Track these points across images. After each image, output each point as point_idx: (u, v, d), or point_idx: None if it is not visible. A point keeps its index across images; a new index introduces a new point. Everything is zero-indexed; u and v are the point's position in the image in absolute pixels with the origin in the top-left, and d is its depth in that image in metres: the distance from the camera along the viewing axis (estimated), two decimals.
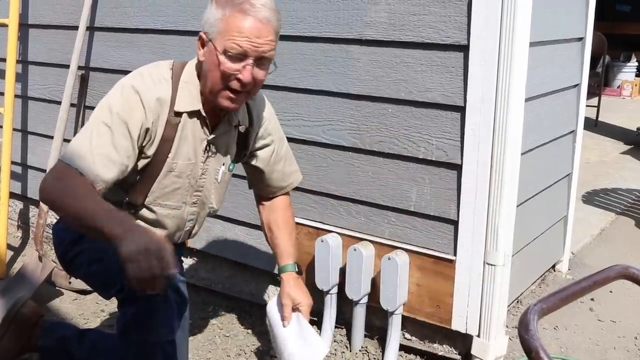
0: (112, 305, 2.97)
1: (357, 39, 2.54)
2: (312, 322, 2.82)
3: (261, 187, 2.31)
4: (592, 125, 6.46)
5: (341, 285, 2.68)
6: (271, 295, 2.95)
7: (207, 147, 2.05)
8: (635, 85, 8.55)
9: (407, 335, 2.70)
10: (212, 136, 2.04)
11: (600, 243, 3.76)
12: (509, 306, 2.63)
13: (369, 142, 2.59)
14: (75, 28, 3.29)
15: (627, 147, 5.99)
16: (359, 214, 2.68)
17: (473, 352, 2.50)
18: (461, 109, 2.36)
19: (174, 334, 1.98)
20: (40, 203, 3.31)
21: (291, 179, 2.33)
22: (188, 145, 2.01)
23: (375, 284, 2.61)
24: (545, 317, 1.79)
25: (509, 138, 2.29)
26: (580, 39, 2.98)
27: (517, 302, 2.92)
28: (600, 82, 7.09)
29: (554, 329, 2.81)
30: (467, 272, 2.44)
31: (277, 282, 2.81)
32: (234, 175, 2.35)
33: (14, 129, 3.54)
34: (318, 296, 2.80)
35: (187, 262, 3.27)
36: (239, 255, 3.05)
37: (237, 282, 3.13)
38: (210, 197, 2.15)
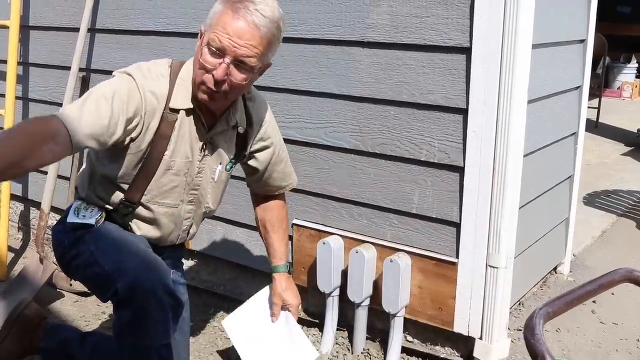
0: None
1: (359, 41, 2.54)
2: (314, 325, 2.84)
3: (260, 187, 2.31)
4: (593, 127, 6.46)
5: (343, 287, 2.68)
6: None
7: (204, 146, 2.05)
8: (636, 86, 8.55)
9: (410, 338, 2.69)
10: (209, 135, 2.04)
11: (602, 245, 3.76)
12: (511, 309, 2.63)
13: (371, 144, 2.58)
14: (77, 30, 3.29)
15: (628, 149, 5.99)
16: (361, 217, 2.68)
17: (475, 354, 2.50)
18: (464, 112, 2.36)
19: (170, 337, 1.98)
20: (42, 205, 3.31)
21: (290, 179, 2.34)
22: (185, 143, 2.02)
23: (377, 286, 2.61)
24: None
25: (512, 140, 2.29)
26: (583, 41, 2.98)
27: (519, 304, 2.91)
28: (600, 84, 7.10)
29: (557, 331, 2.81)
30: (470, 274, 2.44)
31: None
32: (236, 178, 2.35)
33: None
34: (320, 298, 2.80)
35: (189, 264, 3.26)
36: (241, 258, 3.05)
37: (239, 284, 3.12)
38: (206, 197, 2.15)
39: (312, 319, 2.88)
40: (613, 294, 3.05)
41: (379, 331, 2.73)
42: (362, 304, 2.64)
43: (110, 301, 1.97)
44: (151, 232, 2.12)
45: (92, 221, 2.05)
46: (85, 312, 3.05)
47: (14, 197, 3.70)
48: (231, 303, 3.04)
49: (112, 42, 3.30)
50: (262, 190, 2.32)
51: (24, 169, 1.73)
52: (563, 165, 3.07)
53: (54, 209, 3.36)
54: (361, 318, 2.66)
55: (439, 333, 2.61)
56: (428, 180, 2.49)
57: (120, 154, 1.97)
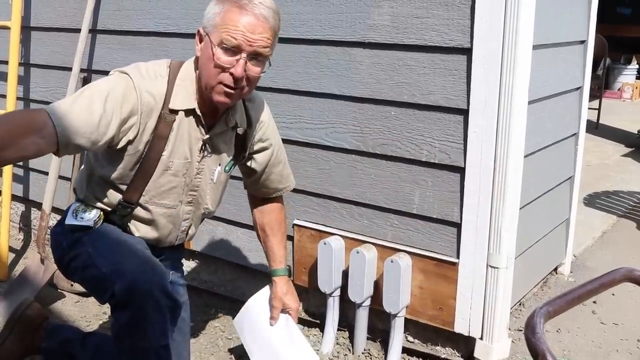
0: None
1: (359, 41, 2.54)
2: (314, 325, 2.85)
3: (257, 188, 2.31)
4: (593, 127, 6.47)
5: (344, 287, 2.68)
6: None
7: (203, 147, 2.05)
8: (636, 87, 8.56)
9: (410, 338, 2.69)
10: (208, 136, 2.04)
11: (602, 245, 3.76)
12: (511, 309, 2.63)
13: (372, 144, 2.59)
14: (78, 31, 3.30)
15: (628, 150, 5.99)
16: (361, 217, 2.68)
17: (476, 354, 2.50)
18: (464, 112, 2.36)
19: (167, 338, 1.98)
20: (42, 205, 3.31)
21: (288, 181, 2.33)
22: (184, 143, 2.01)
23: (377, 286, 2.61)
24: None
25: (512, 141, 2.30)
26: (583, 41, 2.98)
27: (520, 304, 2.92)
28: (600, 85, 7.10)
29: (557, 331, 2.81)
30: (470, 274, 2.44)
31: None
32: (237, 178, 2.35)
33: None
34: (321, 299, 2.80)
35: (189, 264, 3.27)
36: (242, 258, 3.05)
37: (240, 284, 3.13)
38: (205, 197, 2.15)
39: (313, 319, 2.89)
40: (613, 294, 3.05)
41: (380, 331, 2.73)
42: (363, 304, 2.64)
43: (108, 303, 1.97)
44: (149, 233, 2.12)
45: (90, 223, 2.04)
46: (86, 312, 3.06)
47: (14, 198, 3.71)
48: (232, 303, 3.04)
49: (113, 43, 3.30)
50: (259, 192, 2.32)
51: (3, 159, 1.73)
52: (563, 165, 3.07)
53: (54, 210, 3.37)
54: (362, 318, 2.66)
55: (439, 333, 2.61)
56: (428, 180, 2.49)
57: (118, 154, 1.96)
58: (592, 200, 4.45)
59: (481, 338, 2.48)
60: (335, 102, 2.65)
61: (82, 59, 3.29)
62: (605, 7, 6.27)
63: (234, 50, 1.85)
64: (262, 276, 2.94)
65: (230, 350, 2.73)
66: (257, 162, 2.22)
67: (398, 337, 2.60)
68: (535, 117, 2.56)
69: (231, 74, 1.86)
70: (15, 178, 3.69)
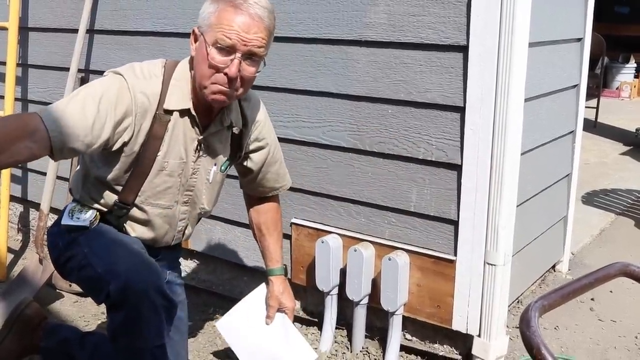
0: None
1: (356, 40, 2.54)
2: (312, 323, 2.85)
3: (253, 188, 2.30)
4: (591, 126, 6.47)
5: (342, 286, 2.68)
6: None
7: (198, 147, 2.05)
8: (634, 86, 8.56)
9: (408, 336, 2.70)
10: (203, 136, 2.04)
11: (600, 243, 3.77)
12: (509, 306, 2.63)
13: (369, 143, 2.59)
14: (75, 31, 3.30)
15: (626, 148, 6.00)
16: (359, 215, 2.69)
17: (474, 352, 2.50)
18: (461, 110, 2.37)
19: (163, 338, 1.98)
20: (41, 206, 3.31)
21: (285, 180, 2.33)
22: (179, 144, 2.01)
23: (375, 284, 2.61)
24: (545, 317, 1.80)
25: (509, 138, 2.30)
26: (579, 39, 2.99)
27: (518, 302, 2.92)
28: (599, 84, 7.10)
29: (555, 328, 2.81)
30: (468, 272, 2.45)
31: None
32: (234, 177, 2.36)
33: None
34: (318, 297, 2.81)
35: (188, 264, 3.27)
36: (239, 257, 3.06)
37: (238, 283, 3.13)
38: (201, 198, 2.15)
39: (311, 317, 2.89)
40: (611, 291, 3.06)
41: (378, 329, 2.73)
42: (361, 302, 2.64)
43: (104, 303, 1.97)
44: (145, 233, 2.12)
45: (86, 223, 2.04)
46: (84, 312, 3.06)
47: (13, 198, 3.71)
48: (230, 302, 3.03)
49: (110, 43, 3.31)
50: (255, 191, 2.32)
51: None
52: (561, 163, 3.08)
53: (53, 210, 3.37)
54: (360, 316, 2.67)
55: (437, 331, 2.62)
56: (426, 178, 2.50)
57: (114, 156, 1.96)
58: (590, 198, 4.45)
59: (479, 335, 2.48)
60: (332, 100, 2.66)
61: (79, 59, 3.30)
62: (603, 6, 6.26)
63: (228, 50, 1.85)
64: (260, 275, 2.94)
65: (229, 350, 2.72)
66: (253, 161, 2.21)
67: (396, 335, 2.60)
68: (532, 114, 2.57)
69: (225, 74, 1.86)
70: (14, 179, 3.69)
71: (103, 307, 3.01)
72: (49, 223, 3.39)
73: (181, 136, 2.01)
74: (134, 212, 2.07)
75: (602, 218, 4.13)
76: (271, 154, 2.23)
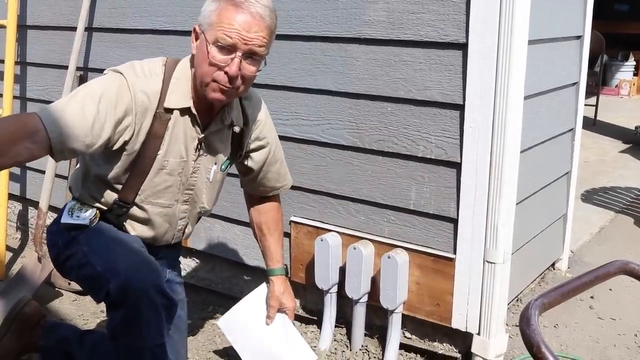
0: None
1: (355, 37, 2.54)
2: (312, 322, 2.85)
3: (254, 187, 2.30)
4: (591, 124, 6.47)
5: (341, 284, 2.68)
6: None
7: (199, 146, 2.04)
8: (633, 84, 8.56)
9: (407, 334, 2.70)
10: (203, 135, 2.03)
11: (600, 241, 3.76)
12: (508, 304, 2.63)
13: (368, 141, 2.59)
14: (74, 29, 3.29)
15: (625, 146, 5.99)
16: (358, 213, 2.68)
17: (473, 350, 2.50)
18: (460, 107, 2.36)
19: (163, 337, 1.98)
20: (39, 204, 3.31)
21: (285, 180, 2.32)
22: (179, 142, 2.00)
23: (375, 282, 2.61)
24: (545, 315, 1.79)
25: (508, 136, 2.29)
26: (579, 37, 2.99)
27: (517, 300, 2.92)
28: (598, 82, 7.10)
29: (554, 326, 2.81)
30: (467, 270, 2.45)
31: None
32: (234, 176, 2.35)
33: None
34: (318, 295, 2.80)
35: (187, 262, 3.27)
36: (239, 256, 3.05)
37: (237, 282, 3.13)
38: (201, 197, 2.14)
39: (310, 315, 2.89)
40: (610, 289, 3.06)
41: (377, 327, 2.73)
42: (360, 300, 2.64)
43: (103, 302, 1.96)
44: (145, 232, 2.11)
45: (86, 221, 2.04)
46: (83, 310, 3.06)
47: (11, 197, 3.70)
48: (229, 300, 3.03)
49: (109, 41, 3.30)
50: (256, 190, 2.31)
51: None
52: (560, 161, 3.07)
53: (51, 208, 3.36)
54: (359, 314, 2.66)
55: (436, 329, 2.61)
56: (425, 176, 2.49)
57: (114, 154, 1.95)
58: (590, 196, 4.45)
59: (478, 334, 2.48)
60: (331, 98, 2.65)
61: (78, 57, 3.29)
62: (602, 4, 6.26)
63: (229, 48, 1.84)
64: (259, 273, 2.94)
65: (228, 348, 2.72)
66: (254, 160, 2.21)
67: (395, 333, 2.60)
68: (532, 112, 2.56)
69: (226, 72, 1.86)
70: (12, 177, 3.68)
71: (102, 306, 3.01)
72: (48, 221, 3.39)
73: (181, 135, 2.00)
74: (134, 210, 2.06)
75: (602, 216, 4.12)
76: (272, 153, 2.23)
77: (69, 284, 3.19)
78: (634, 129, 6.16)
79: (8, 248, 3.56)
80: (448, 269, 2.48)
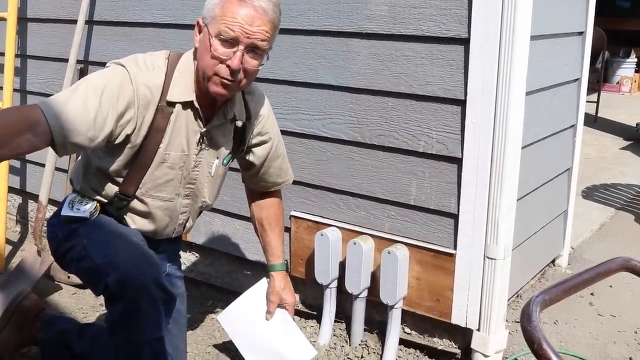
0: None
1: (357, 32, 2.53)
2: (311, 316, 2.85)
3: (256, 182, 2.29)
4: (592, 121, 6.46)
5: (341, 279, 2.68)
6: None
7: (201, 140, 2.04)
8: (635, 81, 8.55)
9: (407, 330, 2.69)
10: (206, 129, 2.03)
11: (600, 238, 3.76)
12: (509, 300, 2.63)
13: (369, 135, 2.58)
14: (74, 22, 3.28)
15: (626, 143, 5.99)
16: (358, 208, 2.68)
17: (473, 346, 2.50)
18: (462, 103, 2.35)
19: (162, 331, 1.97)
20: (39, 197, 3.30)
21: (287, 175, 2.32)
22: (181, 136, 2.00)
23: (375, 278, 2.61)
24: (545, 311, 1.79)
25: (510, 132, 2.29)
26: (581, 33, 2.98)
27: (517, 296, 2.91)
28: (599, 78, 7.09)
29: (554, 323, 2.81)
30: (467, 266, 2.44)
31: None
32: (235, 170, 2.35)
33: None
34: (317, 290, 2.80)
35: (187, 256, 3.26)
36: (238, 250, 3.05)
37: (237, 276, 3.12)
38: (203, 191, 2.14)
39: (310, 310, 2.89)
40: (611, 286, 3.06)
41: (377, 323, 2.73)
42: (360, 296, 2.64)
43: (102, 295, 1.96)
44: (146, 225, 2.11)
45: (86, 214, 2.04)
46: (82, 303, 3.05)
47: (11, 190, 3.70)
48: (229, 295, 3.04)
49: (109, 34, 3.29)
50: (258, 186, 2.31)
51: None
52: (561, 157, 3.07)
53: (51, 201, 3.36)
54: (359, 309, 2.66)
55: (436, 324, 2.61)
56: (426, 171, 2.49)
57: (116, 147, 1.95)
58: (591, 193, 4.45)
59: (478, 329, 2.47)
60: (332, 93, 2.65)
61: (78, 50, 3.29)
62: (604, 0, 6.26)
63: (231, 42, 1.84)
64: (259, 268, 2.94)
65: (227, 342, 2.72)
66: (256, 155, 2.20)
67: (395, 329, 2.59)
68: (533, 108, 2.55)
69: (228, 66, 1.85)
70: (12, 170, 3.68)
71: (101, 299, 3.00)
72: (48, 214, 3.39)
73: (183, 128, 1.99)
74: (135, 204, 2.06)
75: (602, 213, 4.12)
76: (274, 148, 2.22)
77: (69, 277, 3.19)
78: (635, 125, 6.16)
79: (8, 241, 3.56)
80: (448, 265, 2.48)
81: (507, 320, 2.61)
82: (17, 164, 3.80)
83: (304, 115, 2.73)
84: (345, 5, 2.53)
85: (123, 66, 1.91)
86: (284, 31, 2.57)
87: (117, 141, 1.91)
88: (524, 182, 2.53)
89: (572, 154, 3.15)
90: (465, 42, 2.31)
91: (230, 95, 1.98)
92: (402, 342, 2.65)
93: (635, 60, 8.66)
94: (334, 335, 2.74)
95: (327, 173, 2.72)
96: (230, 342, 2.69)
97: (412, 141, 2.49)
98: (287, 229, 2.81)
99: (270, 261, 2.34)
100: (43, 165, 3.33)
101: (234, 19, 1.82)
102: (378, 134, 2.56)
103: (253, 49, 1.86)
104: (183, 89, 1.96)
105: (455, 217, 2.45)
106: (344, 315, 2.79)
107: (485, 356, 2.47)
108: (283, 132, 2.33)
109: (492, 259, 2.39)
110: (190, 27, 2.89)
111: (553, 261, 3.29)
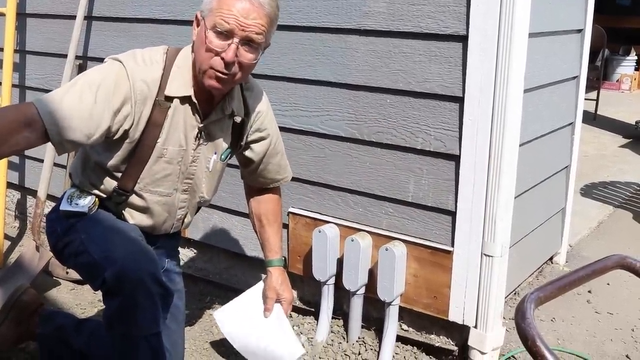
0: None
1: (355, 29, 2.53)
2: (309, 313, 2.85)
3: (254, 179, 2.30)
4: (591, 118, 6.46)
5: (338, 276, 2.68)
6: None
7: (199, 135, 2.04)
8: (634, 79, 8.55)
9: (404, 326, 2.70)
10: (203, 124, 2.03)
11: (598, 235, 3.77)
12: (506, 298, 2.63)
13: (367, 132, 2.58)
14: (73, 17, 3.28)
15: (625, 141, 5.99)
16: (356, 205, 2.68)
17: (470, 343, 2.50)
18: (460, 100, 2.35)
19: (159, 327, 1.98)
20: (38, 193, 3.30)
21: (286, 172, 2.33)
22: (179, 131, 2.00)
23: (372, 274, 2.61)
24: (542, 309, 1.79)
25: (508, 129, 2.29)
26: (580, 30, 2.97)
27: (515, 293, 2.92)
28: (599, 76, 7.09)
29: (551, 320, 2.81)
30: (465, 263, 2.44)
31: None
32: (233, 166, 2.35)
33: None
34: (315, 287, 2.80)
35: (185, 252, 3.26)
36: (237, 246, 3.05)
37: (235, 272, 3.13)
38: (201, 186, 2.14)
39: (308, 307, 2.89)
40: (608, 284, 3.06)
41: (374, 319, 2.73)
42: (357, 292, 2.64)
43: (100, 289, 1.96)
44: (144, 220, 2.11)
45: (85, 209, 2.04)
46: (81, 299, 3.06)
47: (10, 185, 3.70)
48: (227, 291, 3.04)
49: (108, 30, 3.29)
50: (256, 182, 2.31)
51: None
52: (559, 155, 3.07)
53: (50, 197, 3.35)
54: (356, 306, 2.66)
55: (433, 321, 2.61)
56: (424, 168, 2.49)
57: (115, 142, 1.95)
58: (589, 191, 4.45)
59: (475, 326, 2.48)
60: (330, 89, 2.65)
61: (77, 46, 3.28)
62: None
63: (226, 34, 1.84)
64: (257, 264, 2.94)
65: (224, 339, 2.72)
66: (254, 152, 2.20)
67: (392, 326, 2.60)
68: (531, 105, 2.55)
69: (222, 58, 1.86)
70: (11, 165, 3.68)
71: (99, 295, 3.00)
72: (46, 210, 3.39)
73: (181, 123, 2.00)
74: (133, 199, 2.06)
75: (601, 210, 4.12)
76: (272, 145, 2.22)
77: (67, 272, 3.19)
78: (634, 123, 6.16)
79: (6, 237, 3.56)
80: (446, 262, 2.48)
81: (504, 318, 2.62)
82: (15, 159, 3.80)
83: (303, 111, 2.73)
84: (344, 1, 2.53)
85: (120, 62, 1.91)
86: (283, 27, 2.58)
87: (116, 137, 1.92)
88: (521, 180, 2.53)
89: (570, 152, 3.15)
90: (463, 39, 2.30)
91: (226, 90, 1.98)
92: (400, 338, 2.65)
93: (635, 58, 8.66)
94: (332, 331, 2.75)
95: (325, 170, 2.72)
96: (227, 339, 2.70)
97: (410, 138, 2.49)
98: (285, 226, 2.81)
99: (268, 257, 2.35)
100: (42, 161, 3.33)
101: (229, 11, 1.82)
102: (376, 131, 2.56)
103: (248, 42, 1.86)
104: (181, 83, 1.96)
105: (452, 214, 2.45)
106: (341, 312, 2.79)
107: (482, 353, 2.48)
108: (281, 129, 2.33)
109: (489, 256, 2.39)
110: (189, 22, 2.88)
111: (551, 259, 3.29)
